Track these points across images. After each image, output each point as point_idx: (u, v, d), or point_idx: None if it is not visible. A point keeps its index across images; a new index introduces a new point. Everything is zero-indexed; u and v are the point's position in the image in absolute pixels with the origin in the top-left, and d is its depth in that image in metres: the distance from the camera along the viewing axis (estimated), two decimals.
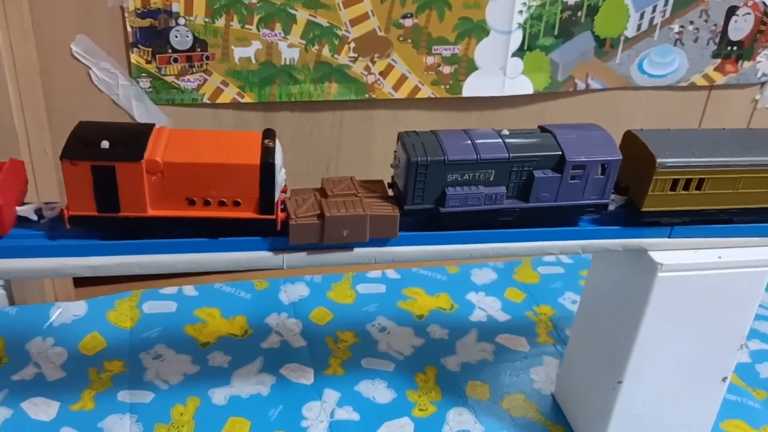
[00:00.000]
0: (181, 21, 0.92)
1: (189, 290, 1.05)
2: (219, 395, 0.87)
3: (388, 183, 0.66)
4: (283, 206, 0.61)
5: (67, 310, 0.98)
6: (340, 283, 1.10)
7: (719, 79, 1.19)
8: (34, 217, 0.59)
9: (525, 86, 1.09)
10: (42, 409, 0.83)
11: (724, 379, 0.76)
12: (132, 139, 0.57)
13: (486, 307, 1.07)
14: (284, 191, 0.63)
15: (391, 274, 1.13)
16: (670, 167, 0.64)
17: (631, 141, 0.67)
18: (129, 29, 0.91)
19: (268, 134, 0.60)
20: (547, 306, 1.08)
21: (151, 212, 0.57)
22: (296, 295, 1.06)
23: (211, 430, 0.82)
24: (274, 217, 0.59)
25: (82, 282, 1.05)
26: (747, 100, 1.24)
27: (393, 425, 0.85)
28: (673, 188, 0.65)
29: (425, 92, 1.06)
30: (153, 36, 0.92)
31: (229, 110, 1.00)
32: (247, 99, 0.99)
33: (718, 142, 0.67)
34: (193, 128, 0.98)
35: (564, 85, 1.12)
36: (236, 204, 0.59)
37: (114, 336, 0.95)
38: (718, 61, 1.17)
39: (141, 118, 0.96)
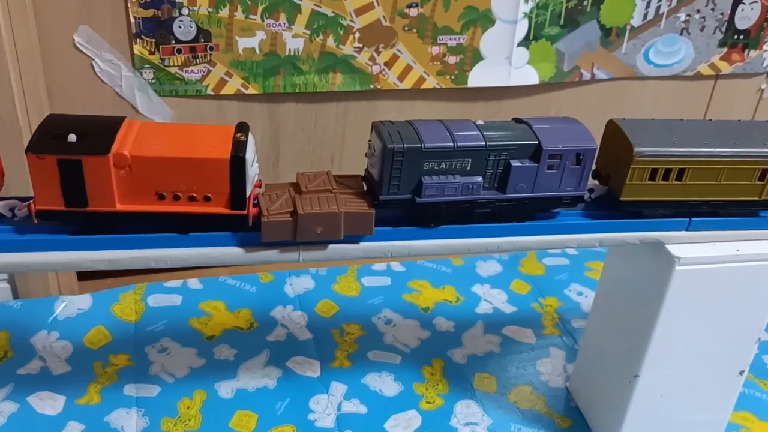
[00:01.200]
0: (185, 11, 0.91)
1: (194, 283, 1.04)
2: (226, 388, 0.86)
3: (362, 176, 0.64)
4: (255, 201, 0.60)
5: (72, 304, 0.98)
6: (345, 275, 1.09)
7: (725, 68, 1.18)
8: (9, 214, 0.59)
9: (530, 76, 1.09)
10: (48, 403, 0.83)
11: (741, 373, 0.75)
12: (100, 132, 0.56)
13: (491, 299, 1.07)
14: (258, 186, 0.62)
15: (396, 266, 1.13)
16: (648, 156, 0.63)
17: (612, 130, 0.67)
18: (132, 19, 0.90)
19: (241, 128, 0.59)
20: (552, 298, 1.08)
21: (119, 207, 0.57)
22: (301, 288, 1.06)
23: (218, 424, 0.82)
24: (245, 212, 0.58)
25: (85, 275, 1.04)
26: (753, 89, 1.23)
27: (400, 418, 0.85)
28: (652, 178, 0.64)
29: (430, 82, 1.05)
30: (156, 26, 0.91)
31: (233, 101, 0.99)
32: (252, 90, 0.98)
33: (701, 132, 0.66)
34: (197, 120, 0.98)
35: (569, 75, 1.11)
36: (207, 199, 0.58)
37: (119, 329, 0.95)
38: (725, 50, 1.17)
39: (144, 109, 0.95)
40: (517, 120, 0.65)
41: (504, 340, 0.98)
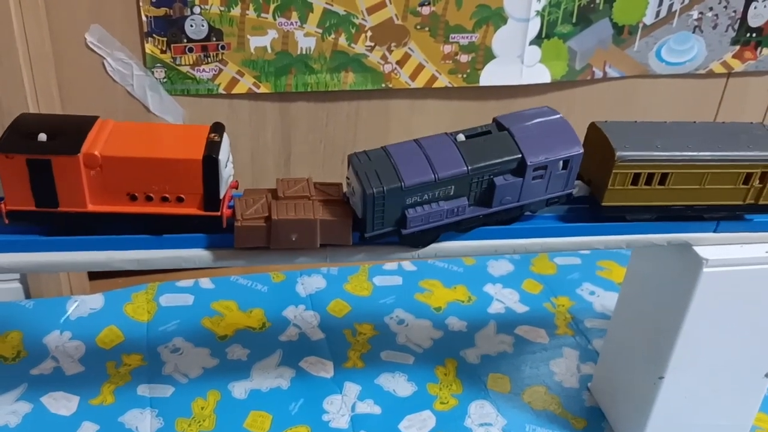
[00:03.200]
0: (196, 10, 0.90)
1: (205, 283, 1.04)
2: (239, 389, 0.86)
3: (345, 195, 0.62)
4: (231, 203, 0.59)
5: (84, 304, 0.98)
6: (356, 275, 1.09)
7: (737, 66, 1.18)
8: None
9: (542, 75, 1.08)
10: (62, 403, 0.82)
11: (767, 375, 0.75)
12: (71, 132, 0.55)
13: (504, 299, 1.07)
14: (234, 186, 0.61)
15: (407, 266, 1.12)
16: (630, 161, 0.62)
17: (594, 133, 0.65)
18: (144, 18, 0.89)
19: (216, 128, 0.58)
20: (564, 297, 1.08)
21: (91, 207, 0.56)
22: (313, 288, 1.05)
23: (233, 424, 0.81)
24: (219, 214, 0.58)
25: (96, 275, 1.04)
26: (765, 87, 1.22)
27: (415, 419, 0.84)
28: (634, 182, 0.63)
29: (442, 81, 1.04)
30: (168, 25, 0.90)
31: (244, 101, 0.98)
32: (263, 89, 0.98)
33: (685, 135, 0.65)
34: (208, 119, 0.98)
35: (582, 74, 1.10)
36: (179, 200, 0.57)
37: (131, 329, 0.94)
38: (737, 48, 1.16)
39: (156, 108, 0.95)
40: (499, 125, 0.62)
41: (517, 340, 0.98)
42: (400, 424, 0.83)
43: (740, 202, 0.67)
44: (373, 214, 0.57)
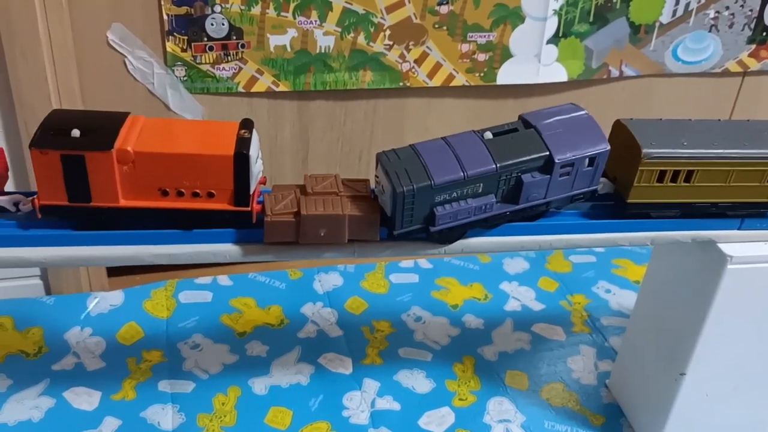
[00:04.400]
0: (217, 8, 0.91)
1: (224, 280, 1.05)
2: (259, 385, 0.87)
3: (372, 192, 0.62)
4: (260, 198, 0.60)
5: (104, 300, 0.98)
6: (373, 272, 1.09)
7: (753, 65, 1.18)
8: (13, 209, 0.59)
9: (559, 74, 1.08)
10: (84, 398, 0.83)
11: None
12: (104, 128, 0.56)
13: (520, 296, 1.07)
14: (263, 182, 0.62)
15: (424, 264, 1.13)
16: (657, 158, 0.62)
17: (620, 131, 0.65)
18: (165, 17, 0.90)
19: (246, 124, 0.59)
20: (580, 295, 1.08)
21: (123, 202, 0.57)
22: (330, 285, 1.06)
23: (254, 420, 0.82)
24: (249, 209, 0.58)
25: (115, 271, 1.05)
26: None
27: (434, 415, 0.85)
28: (660, 180, 0.64)
29: (460, 80, 1.05)
30: (189, 24, 0.91)
31: (263, 99, 0.99)
32: (282, 87, 0.98)
33: (711, 133, 0.65)
34: (227, 117, 0.98)
35: (598, 73, 1.11)
36: (210, 195, 0.57)
37: (151, 326, 0.95)
38: (753, 47, 1.16)
39: (176, 107, 0.96)
40: (525, 122, 0.62)
41: (534, 338, 0.98)
42: (420, 420, 0.84)
43: (765, 200, 0.67)
44: (402, 211, 0.58)
